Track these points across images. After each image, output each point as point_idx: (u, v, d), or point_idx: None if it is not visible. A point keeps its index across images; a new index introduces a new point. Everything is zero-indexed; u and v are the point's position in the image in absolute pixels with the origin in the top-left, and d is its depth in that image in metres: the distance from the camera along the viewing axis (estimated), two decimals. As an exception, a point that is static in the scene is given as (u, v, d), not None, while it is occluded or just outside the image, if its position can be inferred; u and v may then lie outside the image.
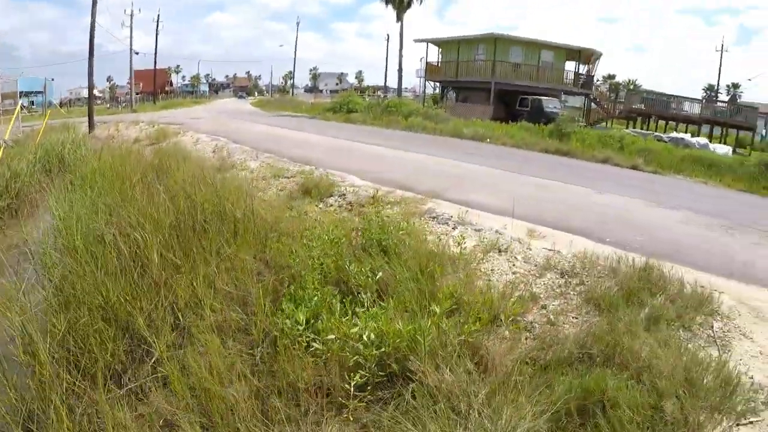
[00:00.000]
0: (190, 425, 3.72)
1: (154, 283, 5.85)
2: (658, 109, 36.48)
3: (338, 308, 4.32)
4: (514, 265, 5.55)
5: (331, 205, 9.17)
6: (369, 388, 3.84)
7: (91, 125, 29.62)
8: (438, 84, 40.18)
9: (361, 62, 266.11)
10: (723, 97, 71.31)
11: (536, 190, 10.12)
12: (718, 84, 59.94)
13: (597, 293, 4.65)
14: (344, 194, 9.61)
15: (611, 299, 4.46)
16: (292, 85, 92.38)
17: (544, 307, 4.65)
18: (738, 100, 65.32)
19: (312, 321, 4.36)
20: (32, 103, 66.54)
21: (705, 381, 3.39)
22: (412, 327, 3.82)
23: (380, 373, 3.86)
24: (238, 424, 3.69)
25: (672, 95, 37.48)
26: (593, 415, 3.30)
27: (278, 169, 12.49)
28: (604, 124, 37.41)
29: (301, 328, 4.16)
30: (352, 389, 3.74)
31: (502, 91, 33.75)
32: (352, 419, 3.67)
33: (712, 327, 4.29)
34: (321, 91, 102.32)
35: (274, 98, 72.57)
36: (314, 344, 4.07)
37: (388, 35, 54.00)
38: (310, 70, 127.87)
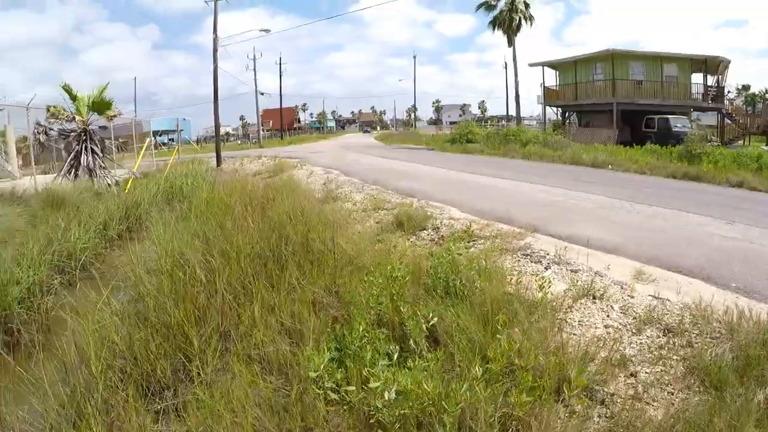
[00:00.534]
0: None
1: (220, 308, 5.76)
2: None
3: (368, 356, 3.69)
4: (608, 316, 4.64)
5: (423, 239, 8.62)
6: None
7: (218, 160, 31.31)
8: (558, 109, 38.41)
9: (483, 92, 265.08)
10: None
11: (653, 222, 8.88)
12: None
13: (705, 361, 3.65)
14: (438, 227, 9.04)
15: (720, 372, 3.47)
16: (414, 118, 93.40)
17: (633, 374, 3.69)
18: None
19: (346, 367, 3.83)
20: (171, 140, 72.35)
21: None
22: (441, 390, 3.12)
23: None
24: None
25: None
26: None
27: (380, 201, 12.22)
28: (740, 142, 32.93)
29: (313, 374, 3.58)
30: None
31: (626, 112, 31.30)
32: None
33: None
34: (443, 123, 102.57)
35: (397, 132, 73.66)
36: (331, 394, 3.50)
37: (505, 62, 52.63)
38: (433, 103, 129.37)
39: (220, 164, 31.00)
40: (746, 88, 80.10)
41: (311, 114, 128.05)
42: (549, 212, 9.69)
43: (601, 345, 3.95)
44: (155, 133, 68.61)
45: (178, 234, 9.34)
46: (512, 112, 40.96)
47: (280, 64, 68.17)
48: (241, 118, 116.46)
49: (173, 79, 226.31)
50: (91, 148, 17.76)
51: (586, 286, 5.23)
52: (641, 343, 4.08)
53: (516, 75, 36.97)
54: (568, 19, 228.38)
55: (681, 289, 5.09)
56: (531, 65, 39.23)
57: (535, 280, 5.09)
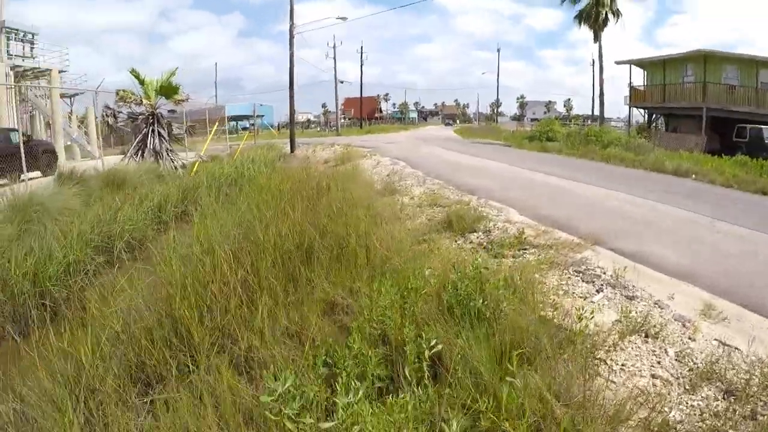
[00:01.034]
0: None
1: (237, 304, 5.31)
2: None
3: (342, 381, 3.06)
4: (659, 362, 3.76)
5: (471, 242, 7.89)
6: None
7: (292, 146, 31.48)
8: (644, 111, 36.00)
9: (570, 90, 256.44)
10: None
11: (735, 245, 7.68)
12: None
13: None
14: (489, 230, 8.28)
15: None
16: (496, 113, 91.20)
17: (674, 450, 2.86)
18: None
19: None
20: (253, 125, 73.83)
21: None
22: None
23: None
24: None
25: None
26: None
27: (438, 197, 11.59)
28: None
29: (267, 399, 2.94)
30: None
31: (716, 119, 28.48)
32: None
33: None
34: (528, 119, 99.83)
35: (478, 126, 72.06)
36: (288, 423, 2.88)
37: (593, 60, 49.29)
38: (517, 99, 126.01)
39: (294, 150, 31.11)
40: None
41: (394, 104, 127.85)
42: (617, 223, 8.67)
43: (642, 401, 3.12)
44: (235, 118, 70.56)
45: (219, 221, 9.02)
46: (598, 111, 38.80)
47: (361, 53, 68.21)
48: (323, 105, 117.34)
49: (258, 66, 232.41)
50: (158, 131, 17.94)
51: (640, 318, 4.37)
52: (693, 405, 3.20)
53: (601, 73, 34.84)
54: (660, 18, 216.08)
55: (757, 336, 4.10)
56: (618, 63, 36.66)
57: (576, 307, 4.27)
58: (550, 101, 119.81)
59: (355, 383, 3.11)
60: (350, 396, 2.90)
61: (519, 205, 10.29)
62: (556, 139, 28.87)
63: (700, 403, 3.24)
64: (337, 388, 3.10)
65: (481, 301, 4.17)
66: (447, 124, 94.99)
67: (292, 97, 32.08)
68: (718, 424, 2.99)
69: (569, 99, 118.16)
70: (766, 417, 3.04)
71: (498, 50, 73.74)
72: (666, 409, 3.16)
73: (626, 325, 4.28)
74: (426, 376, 3.36)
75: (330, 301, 5.42)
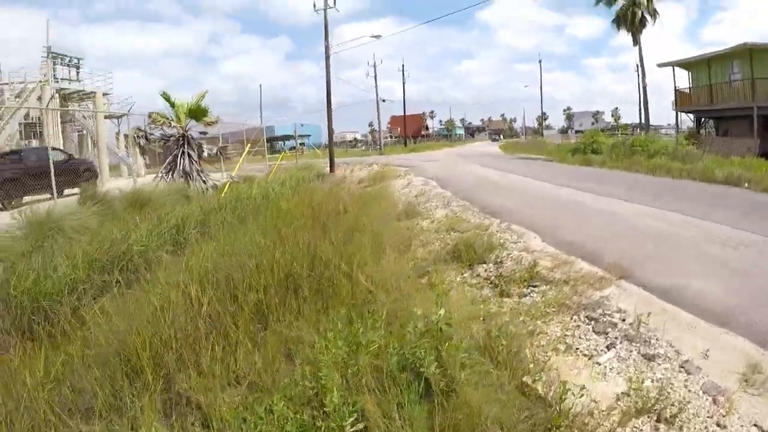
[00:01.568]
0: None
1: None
2: None
3: None
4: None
5: (478, 275, 6.88)
6: None
7: (331, 166, 30.96)
8: (692, 115, 33.54)
9: (616, 98, 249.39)
10: None
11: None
12: None
13: None
14: (501, 261, 7.24)
15: None
16: (542, 126, 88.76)
17: None
18: None
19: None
20: (302, 144, 74.48)
21: None
22: None
23: None
24: None
25: None
26: None
27: (458, 220, 10.65)
28: None
29: None
30: None
31: None
32: None
33: None
34: (573, 131, 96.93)
35: (523, 140, 70.04)
36: None
37: (636, 65, 46.57)
38: (564, 110, 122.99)
39: (333, 170, 30.54)
40: None
41: (440, 121, 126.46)
42: (651, 248, 7.40)
43: None
44: (281, 138, 71.15)
45: (217, 247, 8.56)
46: (653, 119, 36.73)
47: (403, 70, 67.64)
48: (370, 124, 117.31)
49: (305, 87, 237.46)
50: (188, 152, 17.65)
51: (654, 392, 3.28)
52: None
53: (643, 77, 32.90)
54: (703, 16, 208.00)
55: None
56: (660, 65, 34.15)
57: (574, 369, 3.20)
58: (597, 111, 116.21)
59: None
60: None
61: (543, 229, 9.18)
62: (600, 151, 27.23)
63: None
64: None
65: (433, 367, 3.15)
66: (494, 140, 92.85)
67: (329, 117, 31.66)
68: None
69: (616, 108, 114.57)
70: None
71: (539, 61, 70.61)
72: None
73: (634, 402, 3.20)
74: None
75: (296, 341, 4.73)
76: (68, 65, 28.13)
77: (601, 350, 4.09)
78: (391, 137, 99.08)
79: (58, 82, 26.75)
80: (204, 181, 18.45)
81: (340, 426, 2.69)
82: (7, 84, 26.25)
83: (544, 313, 5.01)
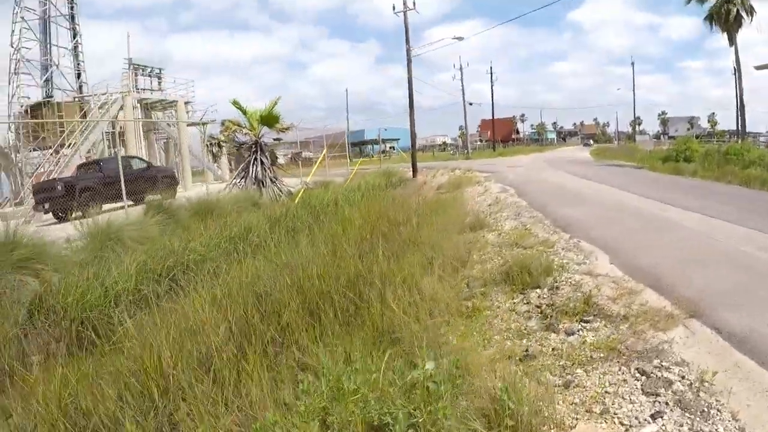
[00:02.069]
0: None
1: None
2: None
3: None
4: None
5: (529, 302, 6.05)
6: None
7: (414, 171, 30.39)
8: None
9: (713, 103, 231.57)
10: None
11: None
12: None
13: None
14: (557, 287, 6.35)
15: None
16: (634, 132, 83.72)
17: None
18: None
19: None
20: (392, 148, 74.41)
21: None
22: None
23: None
24: None
25: None
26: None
27: (525, 234, 9.82)
28: None
29: None
30: None
31: None
32: None
33: None
34: (666, 137, 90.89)
35: (615, 146, 66.23)
36: None
37: (733, 67, 42.05)
38: (659, 115, 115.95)
39: (416, 175, 29.97)
40: None
41: (531, 125, 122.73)
42: (736, 280, 6.19)
43: None
44: (365, 143, 71.31)
45: (267, 259, 8.52)
46: (750, 126, 33.49)
47: (491, 72, 65.84)
48: (460, 128, 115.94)
49: (395, 90, 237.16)
50: (261, 159, 17.59)
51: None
52: None
53: (740, 80, 29.82)
54: None
55: None
56: (758, 68, 30.95)
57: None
58: (693, 117, 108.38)
59: None
60: None
61: (615, 248, 8.17)
62: (693, 159, 25.02)
63: None
64: None
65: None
66: (585, 145, 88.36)
67: (412, 121, 31.06)
68: None
69: (713, 113, 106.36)
70: None
71: (632, 64, 65.82)
72: None
73: None
74: None
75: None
76: (149, 75, 29.26)
77: (644, 419, 3.22)
78: (480, 141, 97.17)
79: (139, 92, 27.82)
80: (279, 188, 18.38)
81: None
82: (91, 96, 27.60)
83: (589, 359, 4.17)
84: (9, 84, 26.97)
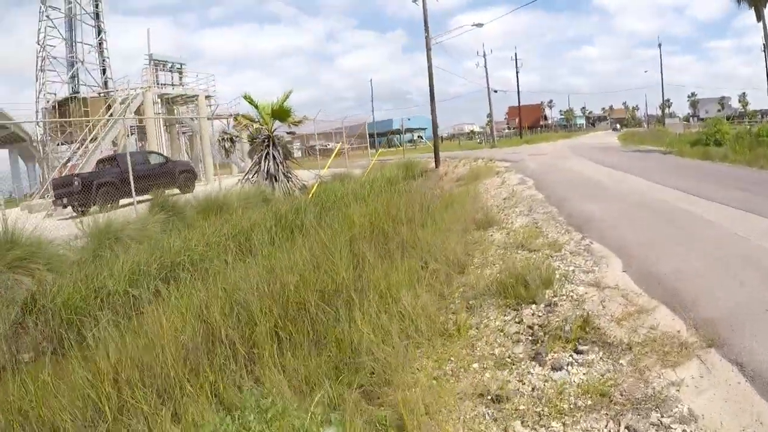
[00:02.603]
0: None
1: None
2: None
3: None
4: None
5: (520, 321, 5.20)
6: None
7: (436, 162, 29.37)
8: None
9: (743, 82, 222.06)
10: None
11: None
12: None
13: None
14: (556, 303, 5.46)
15: None
16: (663, 115, 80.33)
17: None
18: None
19: None
20: (420, 137, 73.27)
21: None
22: None
23: None
24: None
25: None
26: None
27: (535, 234, 9.00)
28: None
29: None
30: None
31: None
32: None
33: None
34: (695, 119, 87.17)
35: (643, 130, 63.57)
36: None
37: (763, 44, 38.55)
38: (688, 97, 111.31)
39: (438, 166, 28.98)
40: None
41: (560, 111, 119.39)
42: (763, 295, 5.19)
43: None
44: (393, 133, 70.16)
45: (259, 263, 7.89)
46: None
47: (516, 59, 63.84)
48: (488, 115, 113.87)
49: (423, 79, 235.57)
50: (273, 154, 16.91)
51: None
52: None
53: None
54: None
55: None
56: None
57: None
58: (723, 97, 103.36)
59: None
60: None
61: (630, 250, 7.21)
62: (724, 142, 23.44)
63: None
64: None
65: None
66: (614, 129, 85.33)
67: (433, 110, 29.94)
68: None
69: (744, 93, 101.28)
70: None
71: (659, 45, 62.99)
72: None
73: None
74: None
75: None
76: (170, 71, 29.03)
77: None
78: (509, 128, 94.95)
79: (160, 87, 27.64)
80: (294, 183, 17.72)
81: None
82: (114, 91, 27.53)
83: (572, 408, 3.34)
84: (36, 81, 27.17)
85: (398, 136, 66.10)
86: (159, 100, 27.41)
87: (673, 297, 5.25)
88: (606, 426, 3.11)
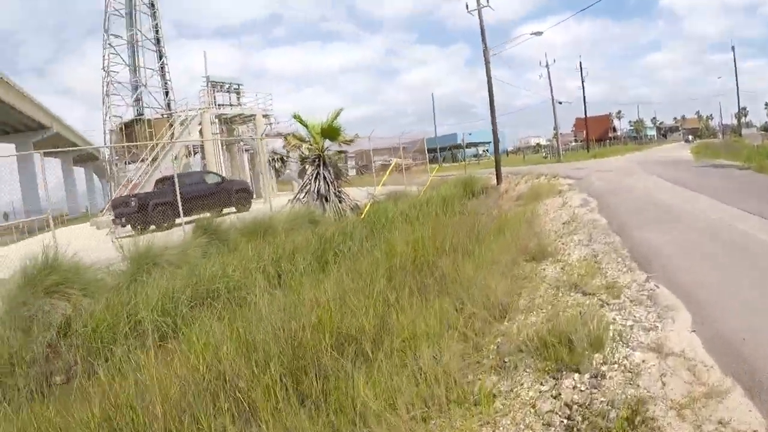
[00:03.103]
0: None
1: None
2: None
3: None
4: None
5: (557, 395, 4.33)
6: None
7: (498, 178, 28.30)
8: None
9: None
10: None
11: None
12: None
13: None
14: (604, 374, 4.50)
15: None
16: (739, 124, 74.57)
17: None
18: None
19: None
20: (486, 151, 71.97)
21: None
22: None
23: None
24: None
25: None
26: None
27: (592, 271, 8.06)
28: None
29: None
30: None
31: None
32: None
33: None
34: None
35: (718, 141, 58.96)
36: None
37: None
38: (766, 104, 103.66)
39: (500, 182, 27.86)
40: None
41: (629, 122, 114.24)
42: None
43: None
44: (457, 147, 68.96)
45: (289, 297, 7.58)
46: None
47: (581, 68, 61.17)
48: (555, 128, 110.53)
49: (486, 91, 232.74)
50: (323, 174, 16.47)
51: None
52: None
53: None
54: None
55: None
56: None
57: None
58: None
59: None
60: None
61: (700, 300, 6.02)
62: (811, 155, 21.01)
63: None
64: None
65: None
66: (687, 141, 79.82)
67: (494, 123, 28.80)
68: None
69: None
70: None
71: (732, 48, 58.72)
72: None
73: None
74: None
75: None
76: (228, 91, 29.57)
77: None
78: (576, 140, 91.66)
79: (218, 108, 28.22)
80: (346, 204, 17.23)
81: None
82: (175, 112, 28.29)
83: None
84: (103, 105, 28.45)
85: (461, 150, 64.97)
86: (216, 120, 27.99)
87: (751, 375, 4.16)
88: None
